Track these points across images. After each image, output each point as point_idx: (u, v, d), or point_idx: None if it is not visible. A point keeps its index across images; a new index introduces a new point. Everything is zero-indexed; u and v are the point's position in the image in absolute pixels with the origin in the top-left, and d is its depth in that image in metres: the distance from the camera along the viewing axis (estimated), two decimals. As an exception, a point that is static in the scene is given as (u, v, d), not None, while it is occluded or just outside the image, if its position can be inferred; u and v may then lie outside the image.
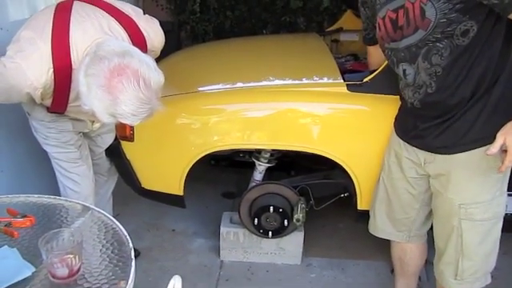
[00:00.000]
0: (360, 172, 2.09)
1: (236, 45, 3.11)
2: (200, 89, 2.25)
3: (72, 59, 1.50)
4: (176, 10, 4.41)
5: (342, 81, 2.10)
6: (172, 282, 1.18)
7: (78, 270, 1.17)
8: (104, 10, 1.61)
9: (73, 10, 1.56)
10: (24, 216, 1.38)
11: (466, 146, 1.51)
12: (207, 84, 2.28)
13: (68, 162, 1.88)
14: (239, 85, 2.23)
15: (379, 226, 1.92)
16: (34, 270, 1.18)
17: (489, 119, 1.46)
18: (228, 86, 2.24)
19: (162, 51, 1.85)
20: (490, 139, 1.38)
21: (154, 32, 1.73)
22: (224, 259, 2.47)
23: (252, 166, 2.43)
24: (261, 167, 2.38)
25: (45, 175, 2.10)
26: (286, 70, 2.35)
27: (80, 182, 1.92)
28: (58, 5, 1.60)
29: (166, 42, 1.82)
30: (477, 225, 1.59)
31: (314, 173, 2.50)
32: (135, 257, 1.24)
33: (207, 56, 2.82)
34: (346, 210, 2.33)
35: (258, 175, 2.40)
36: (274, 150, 2.32)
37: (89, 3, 1.62)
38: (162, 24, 1.81)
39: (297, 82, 2.24)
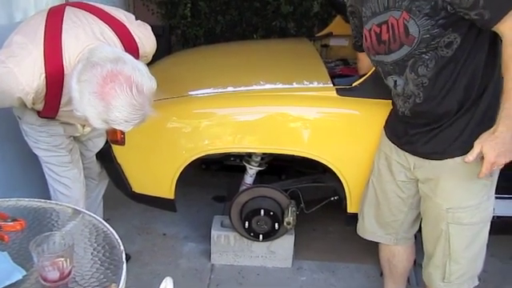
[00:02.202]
0: (350, 175, 2.11)
1: (227, 49, 3.12)
2: (191, 93, 2.26)
3: (64, 65, 1.50)
4: (167, 15, 4.41)
5: (332, 85, 2.12)
6: (163, 283, 1.18)
7: (69, 273, 1.17)
8: (96, 15, 1.61)
9: (65, 16, 1.56)
10: (14, 220, 1.37)
11: (455, 152, 1.54)
12: (198, 88, 2.29)
13: (59, 166, 1.88)
14: (230, 89, 2.24)
15: (367, 229, 1.94)
16: (24, 273, 1.18)
17: (477, 128, 1.49)
18: (219, 90, 2.25)
19: (153, 55, 1.86)
20: None
21: (146, 38, 1.73)
22: (215, 263, 2.47)
23: (243, 170, 2.44)
24: (251, 171, 2.39)
25: (35, 179, 2.09)
26: (277, 74, 2.37)
27: (71, 185, 1.91)
28: (50, 10, 1.60)
29: (157, 47, 1.83)
30: (464, 229, 1.62)
31: (305, 176, 2.52)
32: (126, 261, 1.25)
33: (198, 60, 2.83)
34: (336, 214, 2.35)
35: (248, 179, 2.41)
36: (264, 154, 2.33)
37: (81, 9, 1.62)
38: (152, 28, 1.82)
39: (287, 86, 2.25)
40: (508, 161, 1.37)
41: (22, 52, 1.47)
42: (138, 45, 1.68)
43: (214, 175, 3.10)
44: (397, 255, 1.96)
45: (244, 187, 2.40)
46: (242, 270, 2.44)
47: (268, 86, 2.27)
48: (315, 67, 2.42)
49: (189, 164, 2.15)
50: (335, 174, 2.12)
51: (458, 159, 1.54)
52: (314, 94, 2.15)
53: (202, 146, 2.15)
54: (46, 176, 1.92)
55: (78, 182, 1.96)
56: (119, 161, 2.22)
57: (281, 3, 4.21)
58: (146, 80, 1.36)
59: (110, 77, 1.30)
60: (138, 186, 2.29)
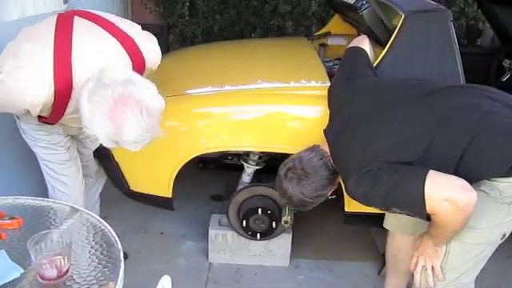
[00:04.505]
0: (347, 174, 2.11)
1: (225, 48, 3.12)
2: (188, 91, 2.25)
3: (73, 79, 1.49)
4: (165, 13, 4.40)
5: (330, 84, 2.12)
6: (161, 282, 1.18)
7: (67, 271, 1.17)
8: (105, 28, 1.60)
9: (74, 27, 1.55)
10: (12, 218, 1.37)
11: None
12: (196, 87, 2.28)
13: (57, 164, 1.87)
14: (228, 88, 2.24)
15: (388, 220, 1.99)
16: (22, 271, 1.18)
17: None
18: (216, 89, 2.25)
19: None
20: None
21: (153, 52, 1.74)
22: (212, 261, 2.47)
23: (240, 169, 2.44)
24: (249, 169, 2.39)
25: (33, 177, 2.08)
26: (275, 73, 2.37)
27: (69, 183, 1.91)
28: (59, 20, 1.58)
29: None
30: (466, 248, 1.59)
31: (302, 175, 2.51)
32: (123, 259, 1.25)
33: (196, 59, 2.82)
34: (333, 212, 2.35)
35: (246, 177, 2.42)
36: (262, 153, 2.33)
37: (89, 19, 1.61)
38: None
39: (285, 85, 2.25)
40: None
41: (31, 64, 1.46)
42: (146, 60, 1.68)
43: (212, 174, 3.10)
44: (403, 250, 1.97)
45: (242, 186, 2.40)
46: (240, 269, 2.44)
47: (266, 85, 2.27)
48: (313, 66, 2.42)
49: (187, 162, 2.15)
50: (333, 172, 2.12)
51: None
52: (312, 93, 2.15)
53: (200, 144, 2.15)
54: (44, 174, 1.92)
55: (77, 179, 1.96)
56: (117, 159, 2.22)
57: (279, 2, 4.21)
58: (156, 101, 1.38)
59: (121, 100, 1.31)
60: (135, 185, 2.29)
